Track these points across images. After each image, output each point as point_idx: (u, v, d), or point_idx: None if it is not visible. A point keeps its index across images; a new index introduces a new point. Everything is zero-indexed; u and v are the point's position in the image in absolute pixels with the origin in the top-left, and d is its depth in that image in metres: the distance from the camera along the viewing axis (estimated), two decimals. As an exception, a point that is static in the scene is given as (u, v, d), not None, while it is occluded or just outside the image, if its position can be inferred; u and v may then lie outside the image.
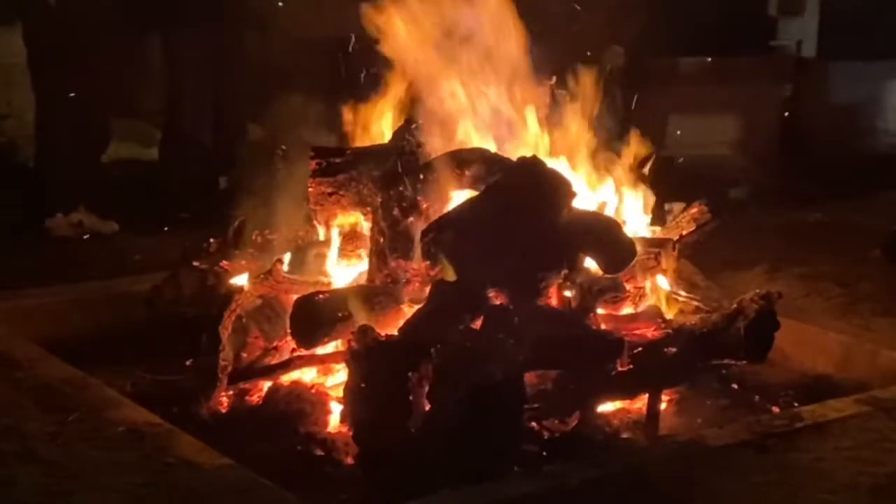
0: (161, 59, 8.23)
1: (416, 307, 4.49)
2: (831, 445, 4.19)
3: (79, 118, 7.40)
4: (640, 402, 4.58)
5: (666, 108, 9.66)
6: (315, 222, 5.07)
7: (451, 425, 3.92)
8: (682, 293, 5.25)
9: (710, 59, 10.46)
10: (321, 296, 4.58)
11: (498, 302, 4.38)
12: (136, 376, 4.99)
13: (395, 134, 4.93)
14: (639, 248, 4.77)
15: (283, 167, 5.31)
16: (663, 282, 5.16)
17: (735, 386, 5.08)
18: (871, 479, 3.94)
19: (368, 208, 4.90)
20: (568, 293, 4.64)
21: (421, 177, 4.75)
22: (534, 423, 4.34)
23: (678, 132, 9.87)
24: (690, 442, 4.25)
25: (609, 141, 5.35)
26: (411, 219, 4.70)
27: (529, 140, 5.15)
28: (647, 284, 5.08)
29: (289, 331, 4.58)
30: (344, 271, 5.03)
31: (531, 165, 4.60)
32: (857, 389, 4.90)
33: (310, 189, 4.97)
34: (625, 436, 4.49)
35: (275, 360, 4.74)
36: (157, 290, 5.36)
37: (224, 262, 5.15)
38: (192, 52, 7.88)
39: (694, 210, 5.32)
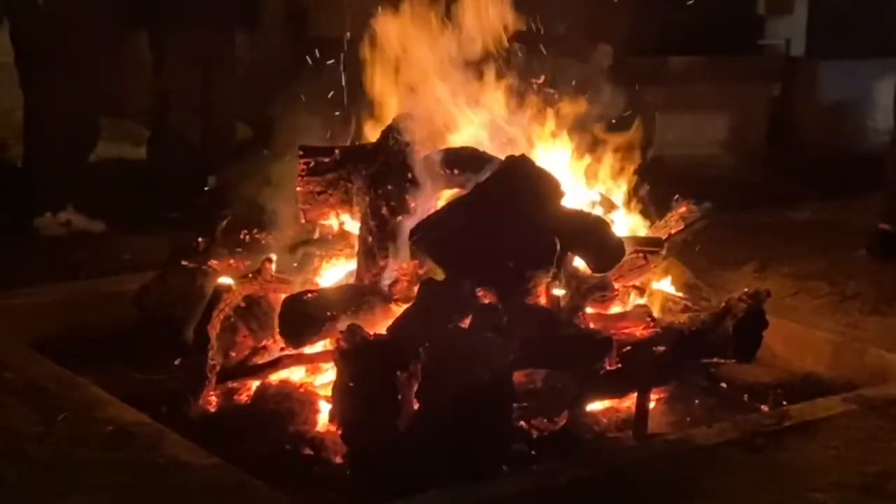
0: (150, 58, 8.21)
1: (405, 306, 4.49)
2: (820, 444, 4.20)
3: (67, 118, 7.38)
4: (629, 401, 4.59)
5: (655, 108, 9.66)
6: (303, 221, 5.07)
7: (439, 424, 3.92)
8: (671, 292, 5.26)
9: (698, 58, 10.48)
10: (309, 295, 4.58)
11: (486, 301, 4.38)
12: (124, 376, 4.98)
13: (383, 133, 4.93)
14: (627, 247, 4.78)
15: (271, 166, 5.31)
16: (652, 281, 5.18)
17: (724, 385, 5.08)
18: (860, 477, 3.95)
19: (357, 207, 4.90)
20: (556, 292, 4.65)
21: (409, 176, 4.75)
22: (522, 422, 4.34)
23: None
24: (679, 441, 4.26)
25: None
26: (400, 218, 4.70)
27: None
28: (636, 283, 5.09)
29: (277, 330, 4.58)
30: (332, 270, 5.03)
31: (519, 164, 4.60)
32: (846, 388, 4.92)
33: (298, 188, 4.96)
34: (613, 435, 4.50)
35: (263, 360, 4.73)
36: (146, 290, 5.36)
37: (213, 261, 5.15)
38: (181, 52, 7.86)
39: (682, 209, 5.33)
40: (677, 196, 5.33)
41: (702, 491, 3.87)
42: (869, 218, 7.33)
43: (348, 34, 6.53)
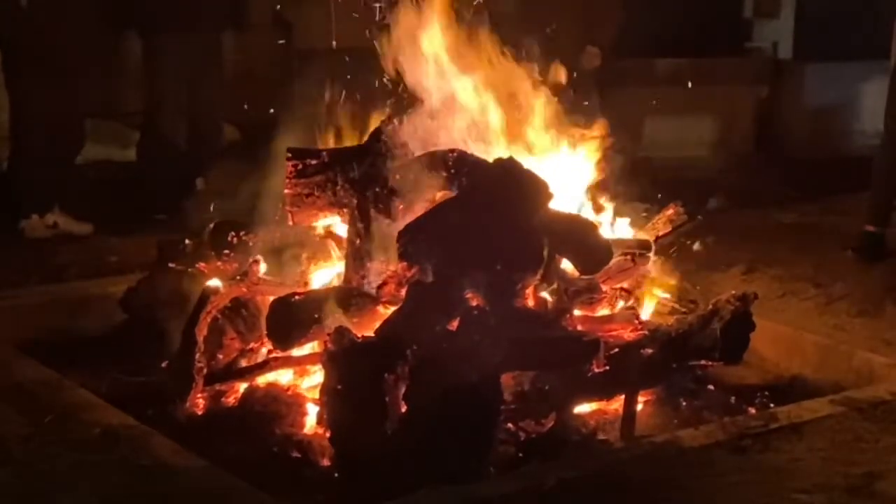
0: (137, 60, 8.20)
1: (393, 309, 4.49)
2: (806, 446, 4.21)
3: (53, 120, 7.37)
4: (617, 403, 4.59)
5: (642, 110, 9.68)
6: (291, 224, 5.06)
7: (427, 427, 3.92)
8: (659, 294, 5.27)
9: (686, 61, 10.50)
10: (297, 297, 4.57)
11: (474, 303, 4.38)
12: (111, 378, 4.97)
13: (371, 135, 4.92)
14: (615, 249, 4.78)
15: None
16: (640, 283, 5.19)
17: (711, 387, 5.09)
18: (846, 479, 3.96)
19: (345, 210, 4.89)
20: (544, 294, 4.65)
21: (397, 178, 4.75)
22: (510, 424, 4.35)
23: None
24: (666, 443, 4.26)
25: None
26: (388, 220, 4.69)
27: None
28: (623, 285, 5.09)
29: (265, 332, 4.58)
30: (320, 273, 5.03)
31: (507, 167, 4.60)
32: (833, 390, 4.93)
33: (286, 191, 4.95)
34: (601, 437, 4.50)
35: (251, 362, 4.73)
36: (133, 292, 5.35)
37: (200, 263, 5.14)
38: (169, 55, 7.85)
39: (670, 212, 5.33)
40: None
41: (689, 492, 3.88)
42: (855, 220, 7.36)
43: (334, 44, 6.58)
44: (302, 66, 8.01)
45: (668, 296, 5.28)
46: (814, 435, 4.29)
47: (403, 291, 4.48)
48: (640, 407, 4.64)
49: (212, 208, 5.65)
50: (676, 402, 4.86)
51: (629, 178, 5.42)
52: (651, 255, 5.13)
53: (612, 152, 5.29)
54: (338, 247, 5.00)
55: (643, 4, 8.75)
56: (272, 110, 6.44)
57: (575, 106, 5.33)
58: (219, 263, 5.11)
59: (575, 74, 5.69)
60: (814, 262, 6.84)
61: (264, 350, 4.74)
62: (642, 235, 5.25)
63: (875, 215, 7.22)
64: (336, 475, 4.14)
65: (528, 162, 4.86)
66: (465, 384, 3.95)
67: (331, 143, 5.18)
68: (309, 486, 4.11)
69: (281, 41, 8.30)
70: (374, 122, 5.01)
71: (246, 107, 8.14)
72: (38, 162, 7.39)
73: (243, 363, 4.74)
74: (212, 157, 8.24)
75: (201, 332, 4.58)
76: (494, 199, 4.51)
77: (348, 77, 5.66)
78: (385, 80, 5.14)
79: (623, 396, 4.54)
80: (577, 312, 4.80)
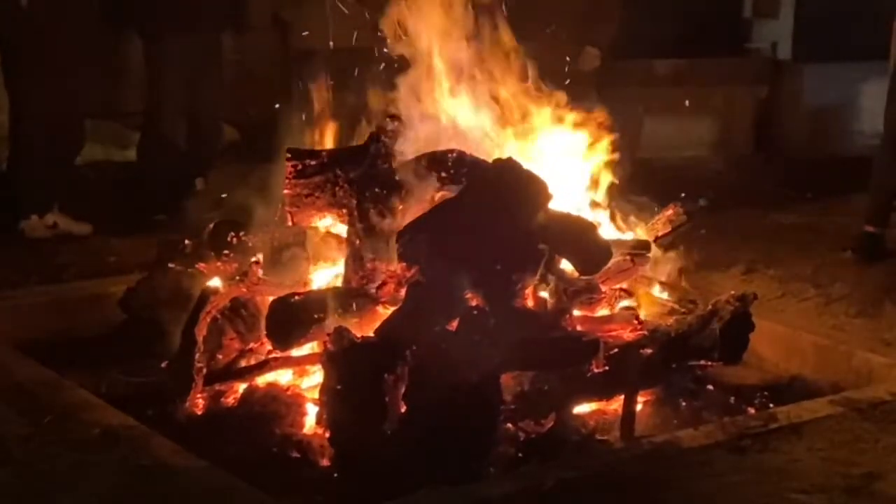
0: (137, 60, 8.20)
1: (392, 309, 4.49)
2: (806, 446, 4.21)
3: (53, 119, 7.36)
4: (617, 403, 4.59)
5: (642, 110, 9.67)
6: (291, 224, 5.06)
7: (426, 427, 3.92)
8: (658, 294, 5.27)
9: (685, 61, 10.51)
10: (297, 297, 4.57)
11: (474, 304, 4.38)
12: (110, 378, 4.97)
13: (371, 135, 4.92)
14: (614, 250, 4.79)
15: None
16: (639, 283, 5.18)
17: (710, 387, 5.09)
18: (845, 479, 3.97)
19: (344, 210, 4.89)
20: (544, 295, 4.65)
21: (397, 178, 4.75)
22: (510, 424, 4.35)
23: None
24: (666, 443, 4.26)
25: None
26: (387, 221, 4.69)
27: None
28: (623, 286, 5.10)
29: (264, 332, 4.58)
30: (320, 273, 5.03)
31: (507, 167, 4.60)
32: (832, 390, 4.94)
33: (286, 191, 4.95)
34: (600, 437, 4.50)
35: (250, 362, 4.73)
36: (132, 292, 5.35)
37: (199, 263, 5.14)
38: (173, 56, 7.84)
39: (669, 212, 5.34)
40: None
41: (687, 492, 3.88)
42: (854, 220, 7.36)
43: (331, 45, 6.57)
44: (300, 66, 8.00)
45: (667, 296, 5.28)
46: (813, 435, 4.30)
47: (403, 291, 4.48)
48: (639, 407, 4.64)
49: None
50: (676, 403, 4.86)
51: (628, 178, 5.43)
52: (650, 255, 5.13)
53: (612, 152, 5.30)
54: (338, 247, 5.00)
55: (643, 4, 8.75)
56: (277, 105, 6.45)
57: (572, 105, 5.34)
58: (219, 263, 5.11)
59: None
60: (813, 263, 6.84)
61: (264, 350, 4.73)
62: (642, 236, 5.25)
63: (874, 215, 7.23)
64: (336, 475, 4.14)
65: (529, 156, 4.88)
66: (465, 384, 3.95)
67: (329, 143, 5.20)
68: (309, 486, 4.11)
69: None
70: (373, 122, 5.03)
71: (246, 107, 8.14)
72: (37, 162, 7.39)
73: (243, 363, 4.74)
74: (212, 157, 8.25)
75: (201, 332, 4.58)
76: (494, 200, 4.51)
77: (346, 77, 5.67)
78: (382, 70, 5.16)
79: (623, 396, 4.54)
80: (576, 312, 4.80)
